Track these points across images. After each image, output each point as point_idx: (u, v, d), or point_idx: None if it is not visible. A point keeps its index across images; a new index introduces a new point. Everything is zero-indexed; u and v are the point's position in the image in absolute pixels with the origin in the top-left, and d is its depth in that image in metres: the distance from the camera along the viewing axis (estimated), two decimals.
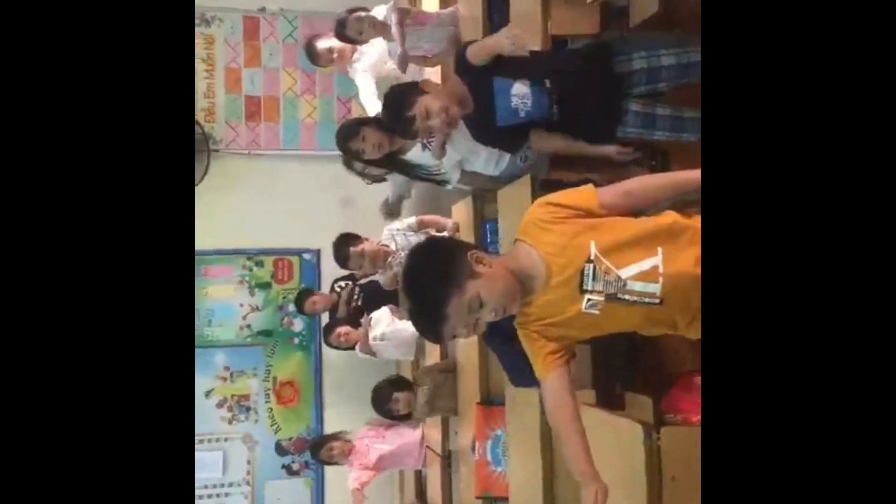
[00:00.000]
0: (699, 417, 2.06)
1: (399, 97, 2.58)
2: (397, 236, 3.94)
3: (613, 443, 2.02)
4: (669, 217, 1.72)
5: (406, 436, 4.45)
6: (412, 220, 4.01)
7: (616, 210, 1.72)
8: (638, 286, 1.67)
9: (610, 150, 2.50)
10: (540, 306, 1.74)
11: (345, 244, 3.97)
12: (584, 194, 1.73)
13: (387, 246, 3.95)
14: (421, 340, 4.40)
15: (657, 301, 1.68)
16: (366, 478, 4.58)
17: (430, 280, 1.64)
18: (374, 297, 4.55)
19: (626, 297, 1.68)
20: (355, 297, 4.74)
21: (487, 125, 2.52)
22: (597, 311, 1.71)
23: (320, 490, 5.37)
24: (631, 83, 2.41)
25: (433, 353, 4.20)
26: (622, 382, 2.72)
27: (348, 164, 3.78)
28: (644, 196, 1.76)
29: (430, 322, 1.66)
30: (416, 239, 3.85)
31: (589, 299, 1.69)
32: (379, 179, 3.97)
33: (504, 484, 3.08)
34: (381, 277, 4.19)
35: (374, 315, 4.38)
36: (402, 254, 3.84)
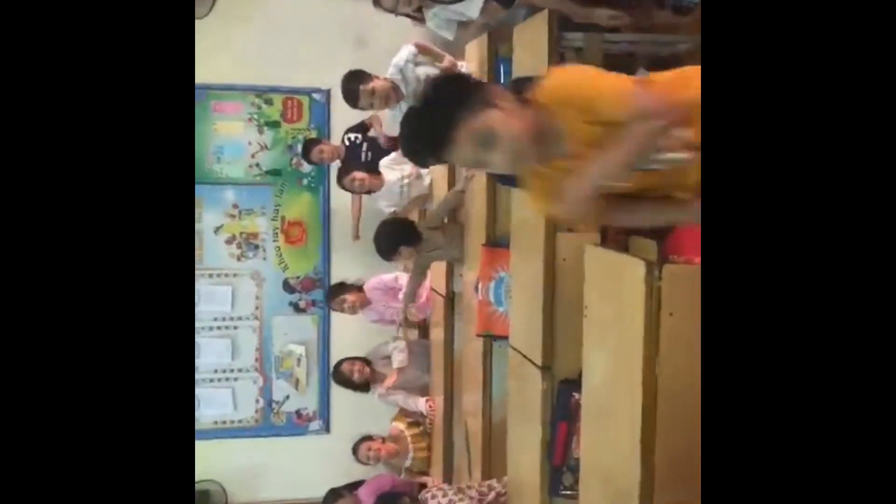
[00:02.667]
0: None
1: None
2: (405, 70, 3.79)
3: (615, 279, 2.04)
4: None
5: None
6: (410, 47, 3.80)
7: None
8: (667, 156, 1.62)
9: (601, 14, 2.35)
10: (557, 168, 1.67)
11: (354, 82, 3.84)
12: (618, 104, 1.50)
13: (395, 82, 3.83)
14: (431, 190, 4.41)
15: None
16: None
17: (444, 102, 1.51)
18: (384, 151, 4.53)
19: (653, 165, 1.65)
20: (365, 151, 4.69)
21: None
22: None
23: (326, 327, 5.53)
24: None
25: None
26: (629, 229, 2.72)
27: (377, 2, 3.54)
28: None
29: (433, 143, 1.53)
30: (424, 70, 3.74)
31: None
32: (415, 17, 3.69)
33: (505, 323, 3.16)
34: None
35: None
36: (412, 87, 3.75)
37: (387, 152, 4.50)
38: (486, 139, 1.49)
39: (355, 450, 4.58)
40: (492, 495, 3.15)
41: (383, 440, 4.61)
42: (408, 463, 4.49)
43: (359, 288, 4.64)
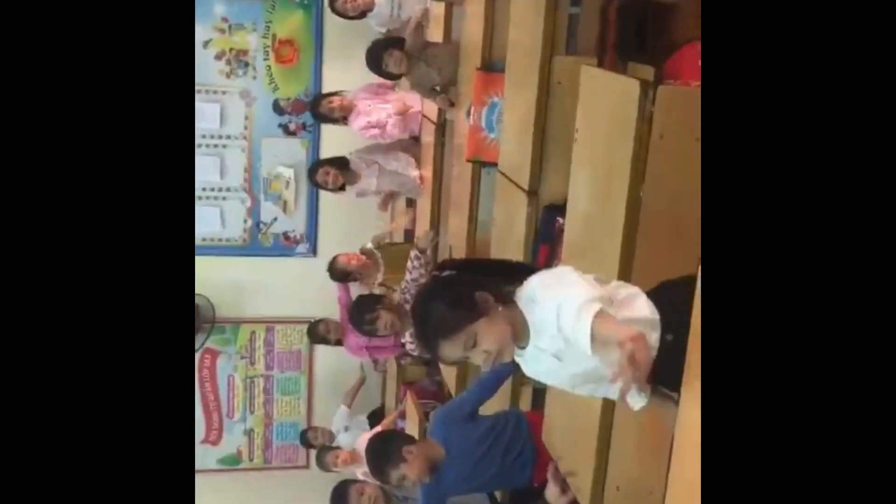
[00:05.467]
0: (697, 83, 2.04)
1: None
2: None
3: (609, 100, 2.02)
4: None
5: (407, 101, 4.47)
6: None
7: None
8: None
9: None
10: None
11: None
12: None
13: None
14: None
15: None
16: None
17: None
18: None
19: None
20: None
21: None
22: None
23: (316, 151, 5.49)
24: None
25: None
26: (625, 52, 2.67)
27: None
28: None
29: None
30: None
31: None
32: None
33: (495, 150, 3.14)
34: None
35: None
36: None
37: None
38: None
39: (332, 262, 4.66)
40: None
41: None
42: (379, 279, 4.56)
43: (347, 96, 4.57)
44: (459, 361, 1.64)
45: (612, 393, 1.68)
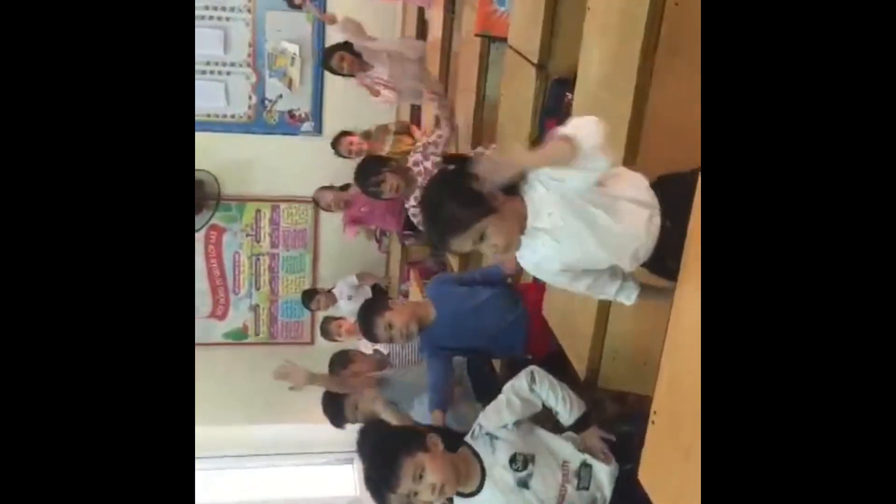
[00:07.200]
0: None
1: None
2: None
3: None
4: None
5: None
6: None
7: None
8: None
9: None
10: None
11: None
12: None
13: None
14: None
15: None
16: None
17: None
18: None
19: None
20: None
21: None
22: None
23: (322, 26, 5.35)
24: None
25: None
26: None
27: None
28: None
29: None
30: None
31: None
32: None
33: (504, 24, 3.07)
34: None
35: None
36: None
37: None
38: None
39: (335, 143, 4.62)
40: None
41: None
42: (386, 150, 4.53)
43: None
44: (468, 252, 1.68)
45: (609, 291, 1.74)
